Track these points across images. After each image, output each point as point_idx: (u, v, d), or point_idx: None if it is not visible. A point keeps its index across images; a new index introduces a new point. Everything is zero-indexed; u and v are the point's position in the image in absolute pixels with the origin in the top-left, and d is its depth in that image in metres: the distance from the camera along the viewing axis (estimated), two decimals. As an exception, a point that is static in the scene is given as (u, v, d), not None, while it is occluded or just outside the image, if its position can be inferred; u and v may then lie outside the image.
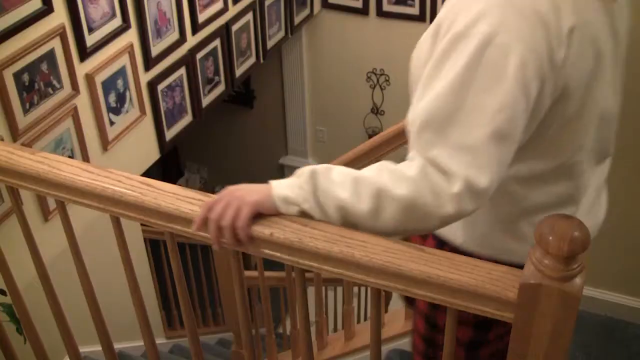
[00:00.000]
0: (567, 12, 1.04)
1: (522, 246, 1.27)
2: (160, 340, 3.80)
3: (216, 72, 3.75)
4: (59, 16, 2.60)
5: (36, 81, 2.55)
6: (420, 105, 1.07)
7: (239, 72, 3.99)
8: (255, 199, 1.15)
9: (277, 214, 1.16)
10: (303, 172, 1.15)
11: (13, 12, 2.39)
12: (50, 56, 2.59)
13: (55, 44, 2.60)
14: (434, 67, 1.05)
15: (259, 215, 1.16)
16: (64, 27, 2.62)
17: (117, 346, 1.75)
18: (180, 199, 1.24)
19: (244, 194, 1.16)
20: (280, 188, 1.16)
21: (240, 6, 3.81)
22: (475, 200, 1.08)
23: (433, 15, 4.20)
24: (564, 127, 1.15)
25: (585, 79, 1.11)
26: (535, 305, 0.98)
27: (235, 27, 3.81)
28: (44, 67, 2.58)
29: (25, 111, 2.53)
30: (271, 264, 1.91)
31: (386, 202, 1.08)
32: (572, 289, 0.96)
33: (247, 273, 3.15)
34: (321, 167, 1.15)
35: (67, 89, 2.71)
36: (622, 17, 1.20)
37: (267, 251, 1.18)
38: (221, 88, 3.85)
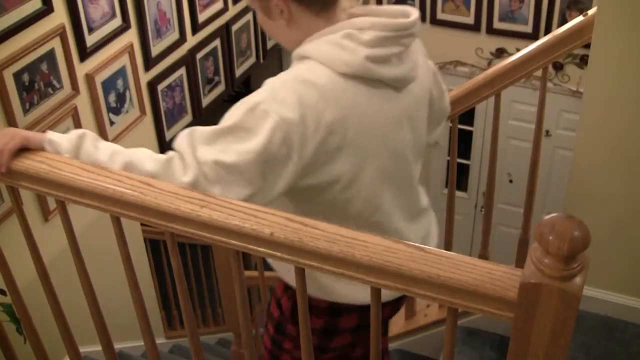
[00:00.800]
0: (332, 107, 1.29)
1: (350, 291, 1.47)
2: (160, 340, 3.79)
3: (216, 72, 3.75)
4: (59, 16, 2.60)
5: (36, 81, 2.56)
6: (204, 127, 1.33)
7: (239, 72, 3.99)
8: (26, 135, 1.40)
9: (42, 150, 1.39)
10: (76, 132, 1.40)
11: (13, 12, 2.40)
12: (50, 56, 2.59)
13: (55, 44, 2.60)
14: (226, 116, 1.33)
15: (28, 149, 1.39)
16: (64, 27, 2.62)
17: (117, 346, 1.75)
18: (180, 199, 1.24)
19: (19, 130, 1.42)
20: (52, 134, 1.41)
21: (240, 6, 3.81)
22: None
23: (432, 16, 4.21)
24: (345, 199, 1.39)
25: (353, 158, 1.34)
26: (536, 304, 0.98)
27: (235, 27, 3.81)
28: (44, 67, 2.58)
29: (25, 111, 2.53)
30: (271, 264, 1.90)
31: (134, 172, 1.33)
32: (572, 288, 0.96)
33: (247, 273, 3.15)
34: (92, 134, 1.41)
35: (67, 89, 2.71)
36: (418, 104, 1.46)
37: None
38: (221, 88, 3.85)
